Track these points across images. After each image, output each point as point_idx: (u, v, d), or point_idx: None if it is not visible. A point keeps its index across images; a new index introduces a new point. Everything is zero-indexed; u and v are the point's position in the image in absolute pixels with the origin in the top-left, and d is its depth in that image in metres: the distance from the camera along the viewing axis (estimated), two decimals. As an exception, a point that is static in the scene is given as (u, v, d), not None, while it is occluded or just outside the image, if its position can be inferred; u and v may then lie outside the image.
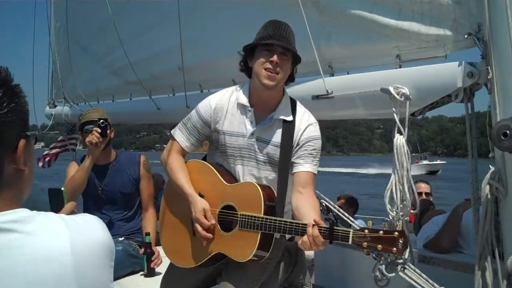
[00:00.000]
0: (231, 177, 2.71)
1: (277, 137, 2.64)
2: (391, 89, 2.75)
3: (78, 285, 1.07)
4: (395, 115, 2.77)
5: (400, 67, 2.96)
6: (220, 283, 2.70)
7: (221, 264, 2.71)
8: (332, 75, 3.33)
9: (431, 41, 2.78)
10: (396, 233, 2.16)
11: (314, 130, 2.66)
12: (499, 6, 2.36)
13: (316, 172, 2.63)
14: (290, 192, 2.63)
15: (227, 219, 2.60)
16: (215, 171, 2.71)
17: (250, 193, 2.56)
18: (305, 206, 2.48)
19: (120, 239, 3.86)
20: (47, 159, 6.65)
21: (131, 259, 3.80)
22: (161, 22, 4.82)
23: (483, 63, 2.49)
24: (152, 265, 3.72)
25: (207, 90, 4.42)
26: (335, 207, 3.57)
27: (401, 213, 2.74)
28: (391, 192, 2.77)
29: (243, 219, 2.52)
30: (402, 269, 2.80)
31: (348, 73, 3.27)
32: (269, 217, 2.46)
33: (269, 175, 2.67)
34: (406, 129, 2.75)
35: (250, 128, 2.65)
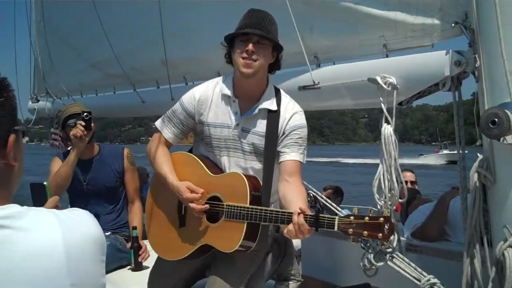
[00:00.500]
0: (217, 169, 2.71)
1: (262, 127, 2.63)
2: (378, 79, 2.75)
3: (71, 279, 1.06)
4: (382, 105, 2.77)
5: (387, 56, 2.95)
6: (209, 276, 2.69)
7: (209, 257, 2.70)
8: (319, 65, 3.31)
9: (418, 30, 2.78)
10: (382, 218, 2.17)
11: (300, 119, 2.65)
12: (486, -6, 2.35)
13: (303, 161, 2.63)
14: (277, 182, 2.63)
15: (214, 210, 2.59)
16: (201, 162, 2.70)
17: (236, 183, 2.55)
18: (292, 194, 2.48)
19: (107, 233, 3.82)
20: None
21: (118, 253, 3.77)
22: (143, 14, 4.76)
23: (470, 51, 2.49)
24: (139, 259, 3.70)
25: (191, 83, 4.39)
26: (322, 197, 3.57)
27: (389, 202, 2.75)
28: (379, 181, 2.77)
29: (229, 210, 2.52)
30: (390, 258, 2.81)
31: (334, 64, 3.26)
32: (254, 206, 2.46)
33: (255, 165, 2.67)
34: (394, 118, 2.75)
35: (234, 119, 2.64)
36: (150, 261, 3.27)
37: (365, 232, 2.17)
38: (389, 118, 2.75)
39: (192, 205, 2.57)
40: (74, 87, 6.19)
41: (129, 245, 3.79)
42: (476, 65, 2.42)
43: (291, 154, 2.59)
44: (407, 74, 2.74)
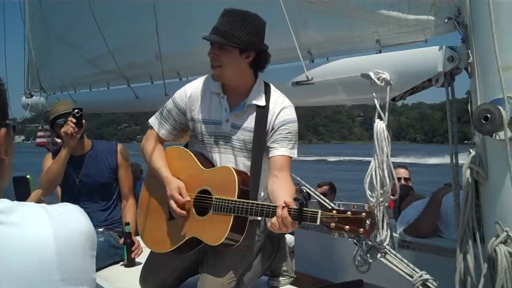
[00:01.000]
0: (210, 164, 2.72)
1: (251, 122, 2.65)
2: (372, 74, 2.75)
3: (61, 275, 1.05)
4: (375, 100, 2.76)
5: (380, 52, 2.94)
6: (201, 274, 2.69)
7: (201, 253, 2.70)
8: (312, 61, 3.31)
9: (411, 25, 2.77)
10: (364, 213, 2.18)
11: (289, 113, 2.65)
12: (478, -10, 2.35)
13: (292, 156, 2.63)
14: (267, 178, 2.63)
15: (203, 203, 2.61)
16: (193, 156, 2.72)
17: (225, 177, 2.57)
18: (279, 189, 2.49)
19: (100, 230, 3.81)
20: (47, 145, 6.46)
21: (112, 250, 3.76)
22: (137, 9, 4.74)
23: (463, 47, 2.48)
24: (132, 255, 3.68)
25: (185, 78, 4.37)
26: (316, 194, 3.57)
27: (381, 199, 2.75)
28: (371, 177, 2.77)
29: (217, 203, 2.54)
30: (383, 254, 2.82)
31: (327, 59, 3.25)
32: (241, 200, 2.48)
33: (246, 161, 2.68)
34: (387, 114, 2.75)
35: (224, 115, 2.66)
36: (143, 257, 3.26)
37: (347, 226, 2.17)
38: (382, 114, 2.75)
39: (172, 203, 2.60)
40: (68, 82, 6.18)
41: (122, 241, 3.78)
42: (469, 61, 2.42)
43: (280, 150, 2.60)
44: (400, 69, 2.74)
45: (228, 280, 2.62)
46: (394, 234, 3.16)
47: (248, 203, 2.45)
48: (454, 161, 2.64)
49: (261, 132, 2.61)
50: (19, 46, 6.85)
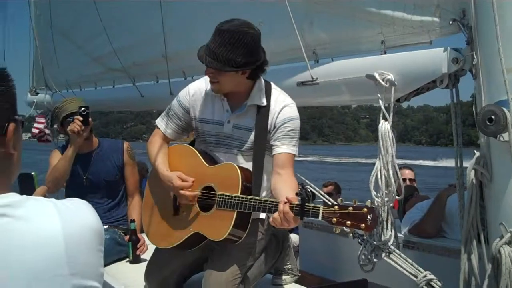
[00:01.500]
0: (214, 161, 2.74)
1: (252, 122, 2.66)
2: (376, 75, 2.75)
3: (70, 269, 1.07)
4: (380, 101, 2.77)
5: (385, 53, 2.95)
6: (206, 270, 2.71)
7: (206, 250, 2.73)
8: (317, 61, 3.32)
9: (416, 27, 2.78)
10: (365, 209, 2.18)
11: (290, 111, 2.65)
12: (483, -9, 2.35)
13: (294, 153, 2.64)
14: (270, 177, 2.65)
15: (207, 199, 2.63)
16: (198, 154, 2.74)
17: (229, 173, 2.59)
18: (282, 186, 2.51)
19: (105, 227, 3.82)
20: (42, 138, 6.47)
21: (118, 247, 3.77)
22: (144, 9, 4.76)
23: (468, 48, 2.48)
24: (137, 252, 3.70)
25: (190, 77, 4.39)
26: (320, 193, 3.57)
27: (386, 199, 2.75)
28: (376, 178, 2.77)
29: (221, 199, 2.56)
30: (387, 254, 2.82)
31: (332, 60, 3.26)
32: (244, 196, 2.49)
33: (248, 161, 2.69)
34: (391, 115, 2.76)
35: (225, 116, 2.68)
36: (148, 254, 3.27)
37: (348, 222, 2.18)
38: (386, 115, 2.75)
39: (183, 192, 2.61)
40: (74, 80, 6.20)
41: (127, 238, 3.80)
42: (474, 63, 2.42)
43: (282, 147, 2.61)
44: (405, 70, 2.74)
45: (233, 276, 2.63)
46: (399, 235, 3.17)
47: (251, 199, 2.47)
48: (458, 162, 2.64)
49: (263, 131, 2.63)
50: (25, 44, 6.87)
